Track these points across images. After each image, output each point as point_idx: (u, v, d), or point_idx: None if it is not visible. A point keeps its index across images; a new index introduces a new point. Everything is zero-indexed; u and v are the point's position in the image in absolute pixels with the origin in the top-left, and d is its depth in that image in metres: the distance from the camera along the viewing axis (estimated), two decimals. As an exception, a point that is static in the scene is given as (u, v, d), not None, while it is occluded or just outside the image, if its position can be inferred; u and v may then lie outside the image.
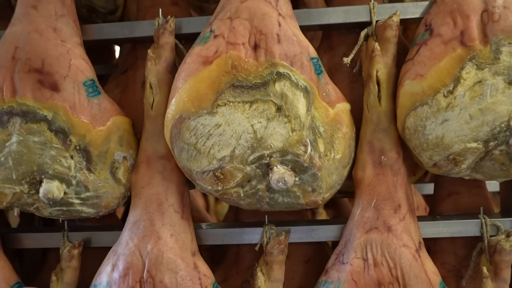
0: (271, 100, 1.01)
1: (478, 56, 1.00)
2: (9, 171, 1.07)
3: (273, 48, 1.02)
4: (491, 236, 1.12)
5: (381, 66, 1.10)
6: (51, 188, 1.06)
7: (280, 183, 1.01)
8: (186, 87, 1.02)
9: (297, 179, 1.05)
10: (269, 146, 1.02)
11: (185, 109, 1.02)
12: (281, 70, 1.01)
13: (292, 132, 1.02)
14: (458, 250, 1.22)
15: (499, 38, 0.99)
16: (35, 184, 1.09)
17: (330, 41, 1.25)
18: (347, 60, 1.11)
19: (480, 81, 1.00)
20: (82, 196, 1.10)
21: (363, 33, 1.13)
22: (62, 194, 1.08)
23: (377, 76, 1.10)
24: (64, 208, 1.12)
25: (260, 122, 1.01)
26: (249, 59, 1.01)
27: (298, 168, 1.04)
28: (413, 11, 1.14)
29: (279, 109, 1.01)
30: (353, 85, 1.19)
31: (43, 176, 1.08)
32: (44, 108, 1.05)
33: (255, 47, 1.03)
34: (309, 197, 1.08)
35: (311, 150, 1.03)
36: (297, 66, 1.02)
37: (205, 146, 1.02)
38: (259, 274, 1.10)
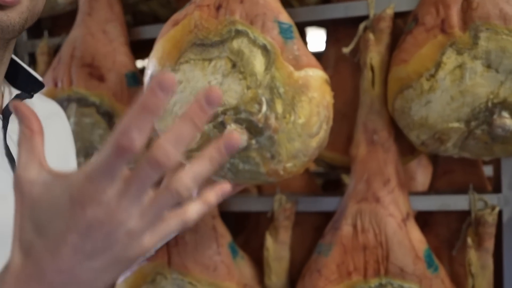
0: (227, 57, 0.97)
1: (457, 42, 1.04)
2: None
3: (233, 7, 1.02)
4: (479, 210, 1.17)
5: (375, 54, 1.17)
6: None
7: (232, 141, 1.01)
8: (156, 47, 1.05)
9: (254, 142, 0.98)
10: (223, 103, 0.97)
11: (154, 68, 1.05)
12: (240, 27, 0.98)
13: (247, 90, 0.96)
14: (451, 223, 1.26)
15: (477, 25, 1.02)
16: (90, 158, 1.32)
17: (337, 34, 1.35)
18: (346, 50, 1.19)
19: (459, 65, 1.03)
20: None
21: (361, 26, 1.20)
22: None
23: (371, 64, 1.18)
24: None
25: (216, 79, 0.98)
26: (210, 18, 1.03)
27: (253, 128, 0.97)
28: (408, 4, 1.18)
29: (234, 65, 0.97)
30: (356, 73, 1.26)
31: (94, 151, 1.30)
32: (93, 95, 1.27)
33: (218, 8, 1.03)
34: (269, 165, 1.00)
35: (267, 110, 0.96)
36: (257, 25, 0.99)
37: (169, 103, 1.02)
38: (268, 236, 1.24)
